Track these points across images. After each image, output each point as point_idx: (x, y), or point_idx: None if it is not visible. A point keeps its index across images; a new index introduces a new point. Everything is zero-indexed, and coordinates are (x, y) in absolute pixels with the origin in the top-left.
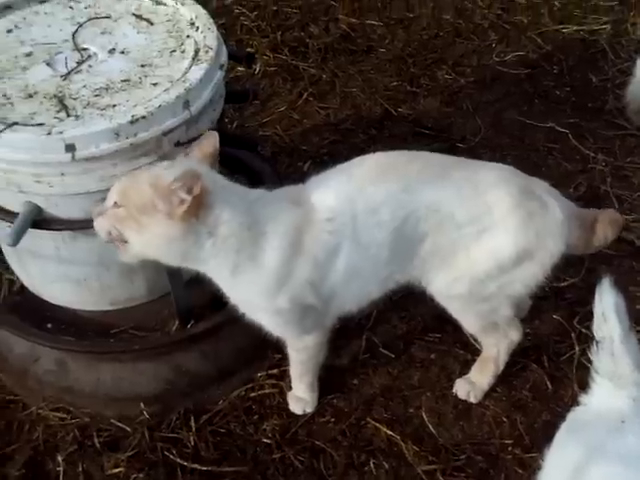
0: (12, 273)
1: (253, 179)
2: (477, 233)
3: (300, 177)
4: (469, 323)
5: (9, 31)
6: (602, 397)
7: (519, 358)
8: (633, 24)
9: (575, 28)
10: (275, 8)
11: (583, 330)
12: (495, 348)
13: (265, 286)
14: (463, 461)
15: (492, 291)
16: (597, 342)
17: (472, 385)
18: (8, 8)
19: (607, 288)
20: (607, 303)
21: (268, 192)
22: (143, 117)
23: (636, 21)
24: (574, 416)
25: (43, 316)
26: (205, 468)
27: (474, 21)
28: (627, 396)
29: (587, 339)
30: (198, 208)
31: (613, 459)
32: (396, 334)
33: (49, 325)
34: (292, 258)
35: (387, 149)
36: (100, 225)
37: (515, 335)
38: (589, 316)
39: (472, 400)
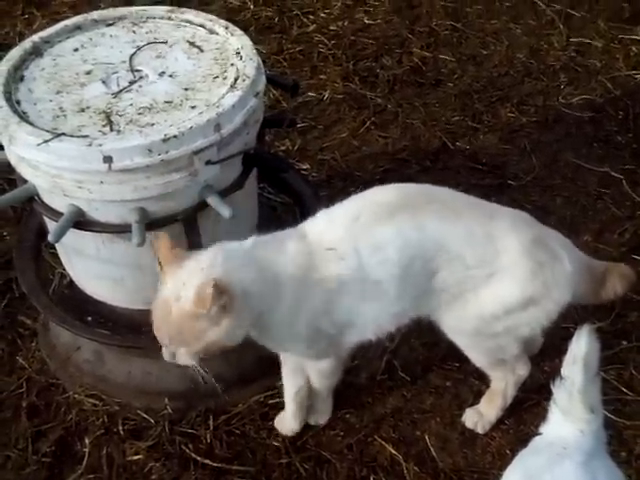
0: (64, 268)
1: (295, 199)
2: (485, 276)
3: None
4: (476, 358)
5: (75, 50)
6: (555, 426)
7: (533, 394)
8: None
9: None
10: (353, 38)
11: (602, 374)
12: (503, 382)
13: (282, 320)
14: None
15: (498, 331)
16: (561, 377)
17: (480, 416)
18: (78, 29)
19: (585, 336)
20: (580, 350)
21: (273, 238)
22: (175, 136)
23: None
24: (531, 444)
25: (85, 309)
26: (216, 464)
27: (546, 62)
28: (577, 428)
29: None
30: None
31: None
32: (416, 359)
33: (89, 318)
34: (304, 292)
35: (438, 181)
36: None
37: (523, 370)
38: (610, 360)
39: (479, 430)
